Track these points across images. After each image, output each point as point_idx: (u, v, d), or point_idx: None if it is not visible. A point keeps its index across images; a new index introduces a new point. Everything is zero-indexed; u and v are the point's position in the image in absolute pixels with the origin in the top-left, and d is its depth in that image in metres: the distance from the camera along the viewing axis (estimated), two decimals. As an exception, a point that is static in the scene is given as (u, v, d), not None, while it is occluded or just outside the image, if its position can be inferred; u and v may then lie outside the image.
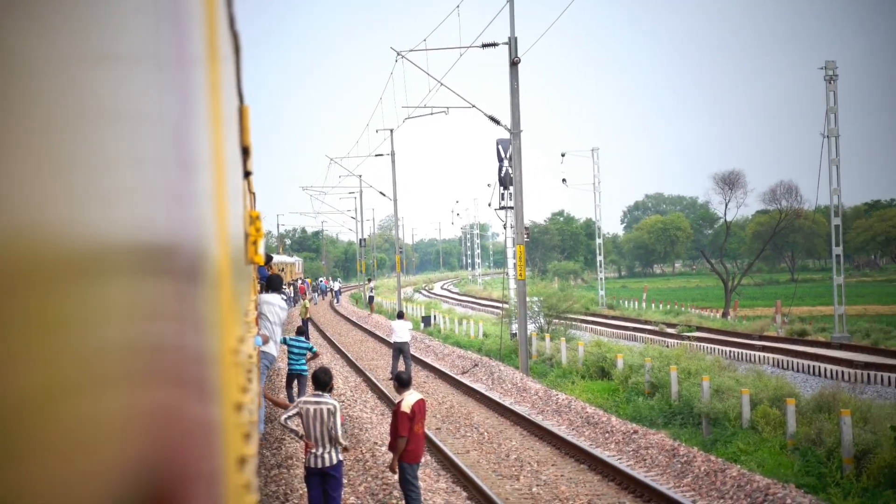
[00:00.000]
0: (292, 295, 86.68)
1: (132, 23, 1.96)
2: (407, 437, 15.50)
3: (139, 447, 1.87)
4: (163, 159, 2.33)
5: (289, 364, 27.77)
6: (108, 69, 1.70)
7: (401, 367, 35.25)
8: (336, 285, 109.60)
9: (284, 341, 27.26)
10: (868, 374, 35.83)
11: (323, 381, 15.03)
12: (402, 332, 35.93)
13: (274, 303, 18.79)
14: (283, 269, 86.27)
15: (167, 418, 2.23)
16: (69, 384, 1.37)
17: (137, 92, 2.00)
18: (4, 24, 1.14)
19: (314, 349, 27.96)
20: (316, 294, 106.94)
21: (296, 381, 27.56)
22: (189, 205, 2.77)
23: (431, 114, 48.95)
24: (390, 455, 17.27)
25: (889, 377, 34.87)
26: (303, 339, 27.93)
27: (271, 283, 19.92)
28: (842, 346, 43.91)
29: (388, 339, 46.24)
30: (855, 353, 41.02)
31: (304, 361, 27.38)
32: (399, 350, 35.99)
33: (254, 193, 12.44)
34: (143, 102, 2.07)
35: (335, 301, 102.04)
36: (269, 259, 18.48)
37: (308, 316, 54.68)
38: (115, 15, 1.78)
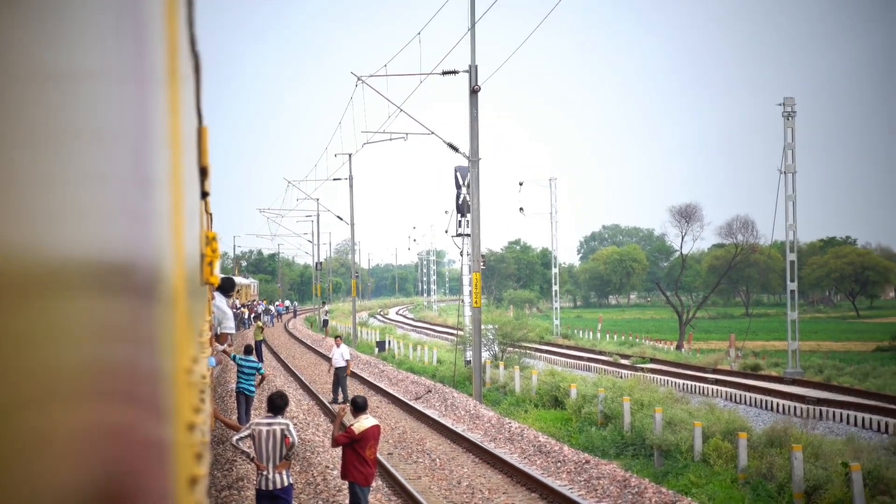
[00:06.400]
0: (248, 316, 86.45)
1: (92, 41, 1.96)
2: (339, 445, 15.76)
3: (91, 466, 1.86)
4: (120, 177, 2.33)
5: (238, 382, 27.74)
6: (68, 86, 1.70)
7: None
8: (273, 308, 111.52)
9: (234, 359, 27.28)
10: (820, 410, 36.06)
11: (278, 406, 15.04)
12: (338, 358, 37.21)
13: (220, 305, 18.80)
14: (238, 291, 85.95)
15: (120, 437, 2.22)
16: (20, 401, 1.37)
17: (97, 110, 2.00)
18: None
19: (262, 370, 27.91)
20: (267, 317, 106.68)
21: (244, 402, 27.49)
22: (146, 224, 2.76)
23: (390, 139, 48.92)
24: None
25: (841, 413, 35.11)
26: (252, 358, 27.92)
27: (222, 285, 19.89)
28: (794, 382, 44.19)
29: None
30: (807, 389, 41.28)
31: (253, 381, 27.36)
32: (337, 375, 37.25)
33: (211, 214, 12.40)
34: (102, 120, 2.07)
35: (272, 323, 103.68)
36: (230, 285, 18.12)
37: (262, 338, 54.39)
38: (76, 32, 1.78)
